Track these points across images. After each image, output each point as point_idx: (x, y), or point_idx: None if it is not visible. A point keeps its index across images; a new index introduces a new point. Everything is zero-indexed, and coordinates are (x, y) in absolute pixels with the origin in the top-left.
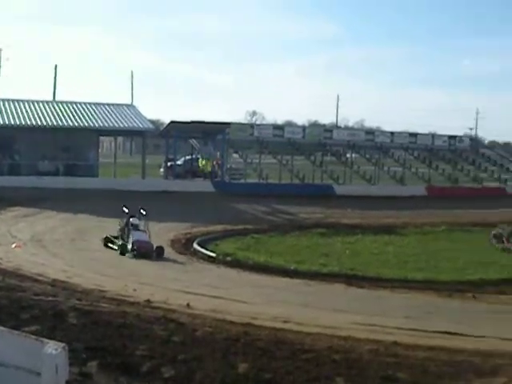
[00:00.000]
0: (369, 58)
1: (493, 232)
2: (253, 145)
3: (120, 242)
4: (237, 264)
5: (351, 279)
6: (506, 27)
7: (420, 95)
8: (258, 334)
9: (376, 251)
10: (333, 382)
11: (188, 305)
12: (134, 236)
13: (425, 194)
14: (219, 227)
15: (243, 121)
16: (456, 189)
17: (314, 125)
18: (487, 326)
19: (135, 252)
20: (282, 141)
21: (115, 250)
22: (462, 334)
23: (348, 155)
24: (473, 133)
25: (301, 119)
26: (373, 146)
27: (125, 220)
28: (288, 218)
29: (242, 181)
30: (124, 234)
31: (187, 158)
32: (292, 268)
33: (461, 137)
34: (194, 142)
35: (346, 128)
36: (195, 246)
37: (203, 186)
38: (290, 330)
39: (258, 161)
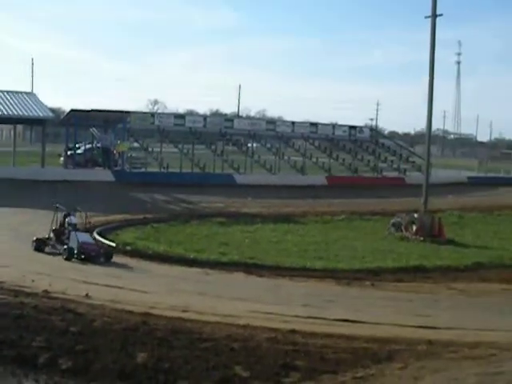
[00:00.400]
0: (273, 49)
1: (391, 221)
2: (154, 134)
3: (65, 246)
4: (137, 253)
5: (251, 268)
6: (398, 20)
7: (324, 86)
8: (157, 324)
9: (275, 240)
10: (231, 370)
11: (87, 295)
12: (80, 238)
13: (325, 184)
14: (119, 216)
15: (145, 110)
16: (356, 178)
17: (216, 114)
18: (384, 313)
19: (83, 256)
20: (183, 130)
21: (57, 254)
22: (359, 322)
23: (249, 145)
24: (373, 123)
25: (203, 108)
26: (274, 135)
27: (59, 219)
28: (188, 207)
29: (143, 170)
30: (63, 235)
31: (87, 146)
32: (191, 257)
33: (361, 127)
34: (94, 130)
35: (248, 118)
36: (95, 235)
37: (103, 175)
38: (189, 319)
39: (158, 150)
